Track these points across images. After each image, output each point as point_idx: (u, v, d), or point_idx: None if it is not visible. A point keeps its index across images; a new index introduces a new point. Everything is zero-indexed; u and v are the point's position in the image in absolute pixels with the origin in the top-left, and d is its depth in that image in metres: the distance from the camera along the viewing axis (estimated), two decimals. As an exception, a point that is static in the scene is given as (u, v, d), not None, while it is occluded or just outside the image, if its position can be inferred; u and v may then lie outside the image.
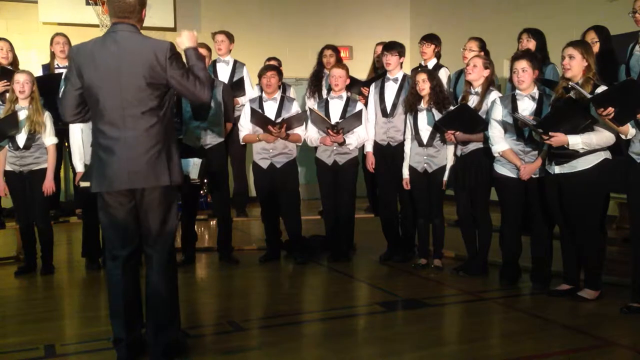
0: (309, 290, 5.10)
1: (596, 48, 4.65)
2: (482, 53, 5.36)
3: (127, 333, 3.21)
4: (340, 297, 4.66)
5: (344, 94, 5.64)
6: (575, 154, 4.13)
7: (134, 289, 3.27)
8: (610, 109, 3.80)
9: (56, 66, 6.43)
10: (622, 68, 4.64)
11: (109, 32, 3.16)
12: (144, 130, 3.10)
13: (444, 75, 5.80)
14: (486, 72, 4.92)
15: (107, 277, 3.28)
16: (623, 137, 4.01)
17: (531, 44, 5.07)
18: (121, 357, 3.20)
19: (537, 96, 4.54)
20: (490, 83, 4.95)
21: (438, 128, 5.10)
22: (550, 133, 4.11)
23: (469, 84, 4.99)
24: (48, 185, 5.23)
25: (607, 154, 4.18)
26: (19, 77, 5.17)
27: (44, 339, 3.64)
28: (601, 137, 4.08)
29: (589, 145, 4.08)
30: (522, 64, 4.50)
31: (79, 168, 5.34)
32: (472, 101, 4.94)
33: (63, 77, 6.18)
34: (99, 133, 3.15)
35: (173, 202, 3.29)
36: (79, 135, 5.30)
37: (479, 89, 4.93)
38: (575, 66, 4.10)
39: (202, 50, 5.67)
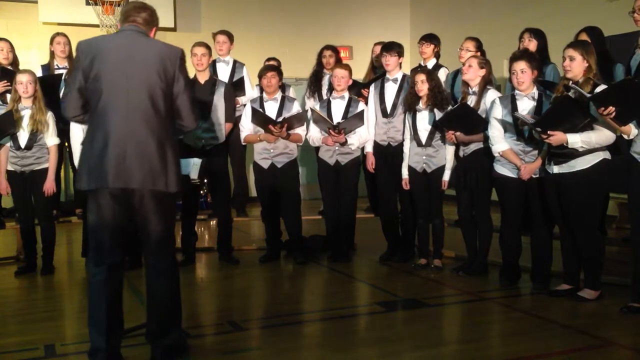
0: (309, 290, 5.10)
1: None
2: (479, 53, 5.36)
3: (106, 343, 3.02)
4: (340, 297, 4.66)
5: (346, 94, 5.64)
6: (574, 154, 4.12)
7: (115, 297, 3.10)
8: (611, 108, 3.80)
9: (56, 66, 6.40)
10: (619, 67, 4.61)
11: (120, 31, 3.13)
12: (145, 130, 2.99)
13: (443, 75, 5.79)
14: (482, 72, 4.92)
15: (89, 283, 3.11)
16: (625, 137, 4.00)
17: (532, 44, 5.06)
18: None
19: (536, 96, 4.54)
20: (487, 82, 4.95)
21: (438, 127, 5.10)
22: (549, 132, 4.10)
23: (466, 84, 4.99)
24: (49, 186, 5.22)
25: (606, 154, 4.17)
26: (22, 77, 5.14)
27: (44, 339, 3.64)
28: (600, 135, 4.07)
29: (588, 144, 4.08)
30: (521, 65, 4.49)
31: (79, 168, 5.33)
32: (470, 101, 4.94)
33: (63, 77, 6.25)
34: (97, 127, 3.00)
35: (171, 209, 3.21)
36: (80, 135, 5.28)
37: (476, 89, 4.93)
38: (575, 67, 4.10)
39: (202, 49, 5.68)
